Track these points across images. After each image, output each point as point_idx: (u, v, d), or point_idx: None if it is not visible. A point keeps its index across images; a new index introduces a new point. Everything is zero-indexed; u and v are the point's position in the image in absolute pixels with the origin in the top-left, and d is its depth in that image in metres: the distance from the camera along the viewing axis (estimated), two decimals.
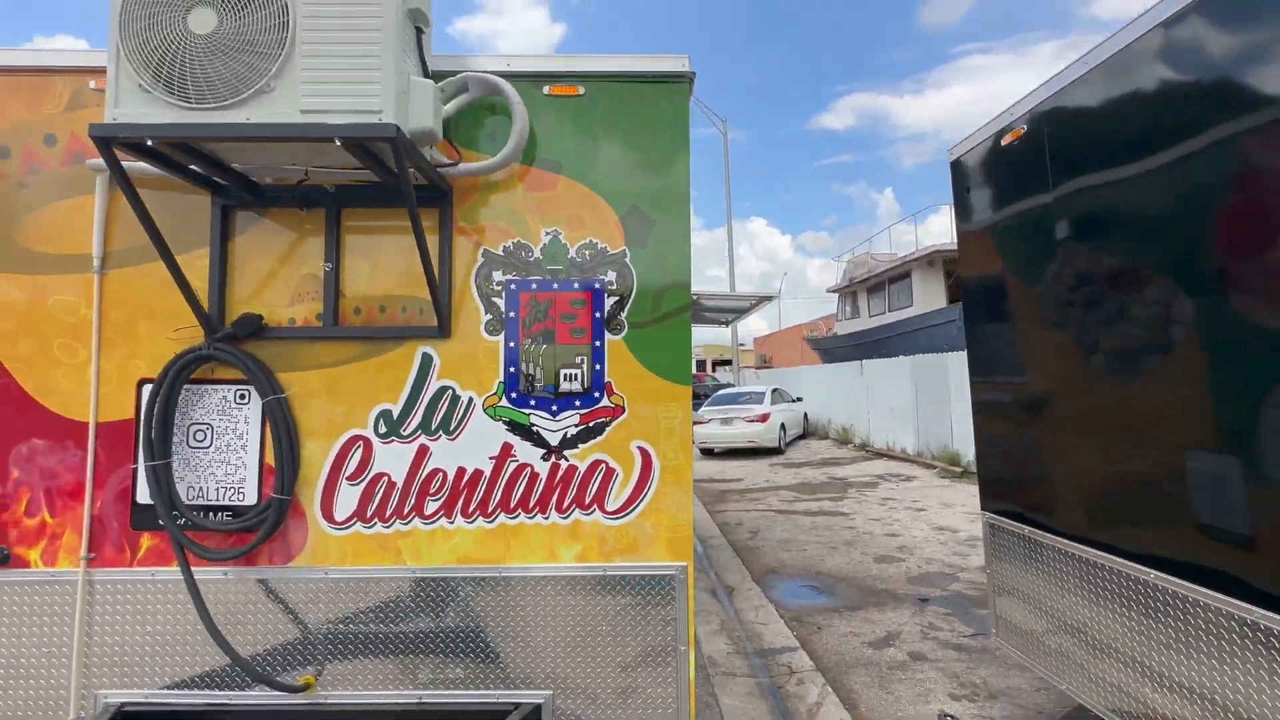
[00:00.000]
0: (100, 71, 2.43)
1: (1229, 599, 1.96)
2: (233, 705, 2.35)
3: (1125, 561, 2.38)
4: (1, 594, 2.36)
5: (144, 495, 2.39)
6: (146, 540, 2.39)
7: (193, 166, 2.25)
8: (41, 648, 2.35)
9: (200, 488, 2.39)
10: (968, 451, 10.41)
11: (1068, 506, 2.72)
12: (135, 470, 2.40)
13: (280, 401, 2.36)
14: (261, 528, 2.33)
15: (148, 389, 2.41)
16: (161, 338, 2.43)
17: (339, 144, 1.91)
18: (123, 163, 2.35)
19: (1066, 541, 2.69)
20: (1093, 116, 2.49)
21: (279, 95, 1.92)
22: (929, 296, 16.33)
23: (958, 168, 3.42)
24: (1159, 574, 2.24)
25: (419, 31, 2.14)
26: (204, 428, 2.41)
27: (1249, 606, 1.89)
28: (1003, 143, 3.00)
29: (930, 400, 11.46)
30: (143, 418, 2.37)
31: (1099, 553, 2.51)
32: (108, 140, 1.92)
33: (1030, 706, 3.36)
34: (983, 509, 3.32)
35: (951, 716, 2.38)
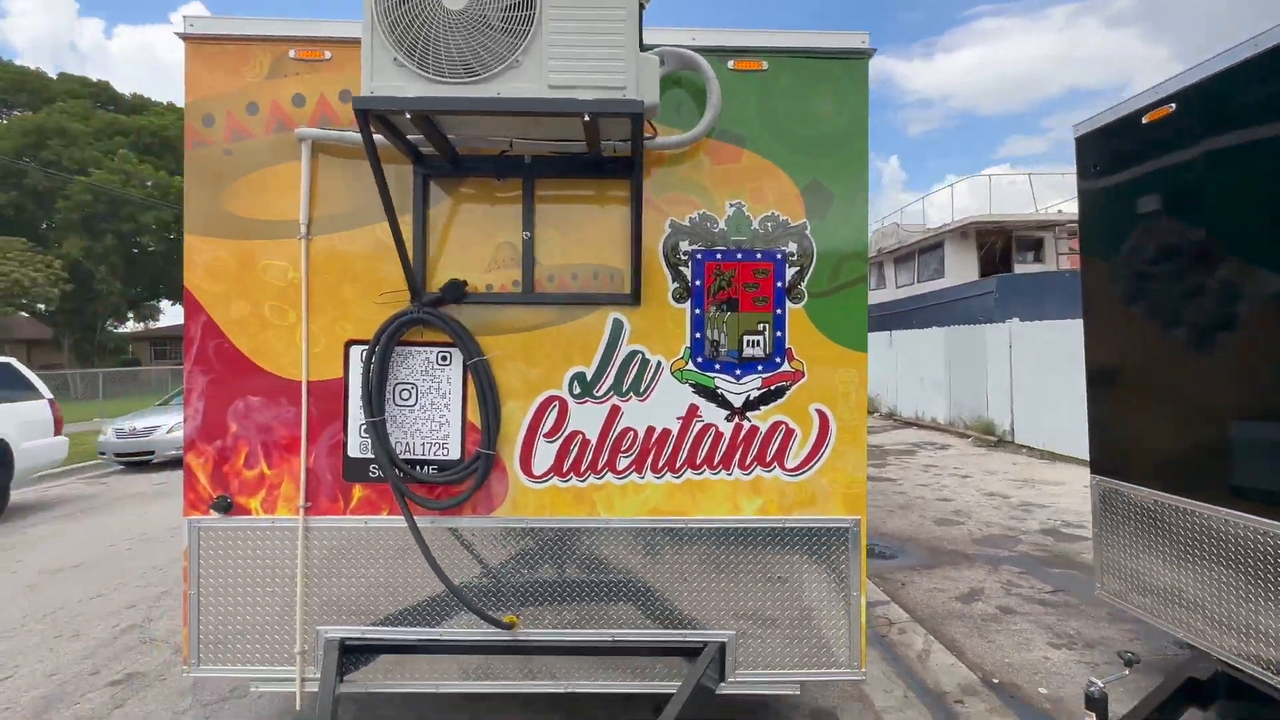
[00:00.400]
0: (298, 41, 2.52)
1: None
2: (443, 640, 2.56)
3: (1257, 519, 2.56)
4: (230, 539, 2.54)
5: (355, 449, 2.55)
6: (358, 491, 2.56)
7: (410, 136, 2.35)
8: (266, 587, 2.55)
9: (407, 443, 2.55)
10: (1003, 421, 10.64)
11: (1193, 471, 2.89)
12: (346, 426, 2.55)
13: (484, 363, 2.50)
14: (470, 480, 2.50)
15: (355, 350, 2.55)
16: (366, 301, 2.55)
17: (586, 119, 2.01)
18: (328, 131, 2.47)
19: (1195, 502, 2.87)
20: (1262, 96, 2.56)
21: (526, 70, 2.01)
22: (961, 268, 16.40)
23: (1084, 144, 3.49)
24: None
25: (640, 7, 2.21)
26: (409, 387, 2.56)
27: None
28: (1144, 120, 3.07)
29: (964, 371, 11.63)
30: (360, 377, 2.52)
31: (1231, 511, 2.68)
32: (365, 112, 2.00)
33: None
34: (1094, 473, 3.50)
35: (1132, 653, 2.56)
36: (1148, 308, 3.16)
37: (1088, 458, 3.58)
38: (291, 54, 2.53)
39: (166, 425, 10.46)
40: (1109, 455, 3.43)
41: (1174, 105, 2.93)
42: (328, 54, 2.53)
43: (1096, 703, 2.16)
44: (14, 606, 4.56)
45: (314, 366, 2.55)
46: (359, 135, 2.43)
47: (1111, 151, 3.33)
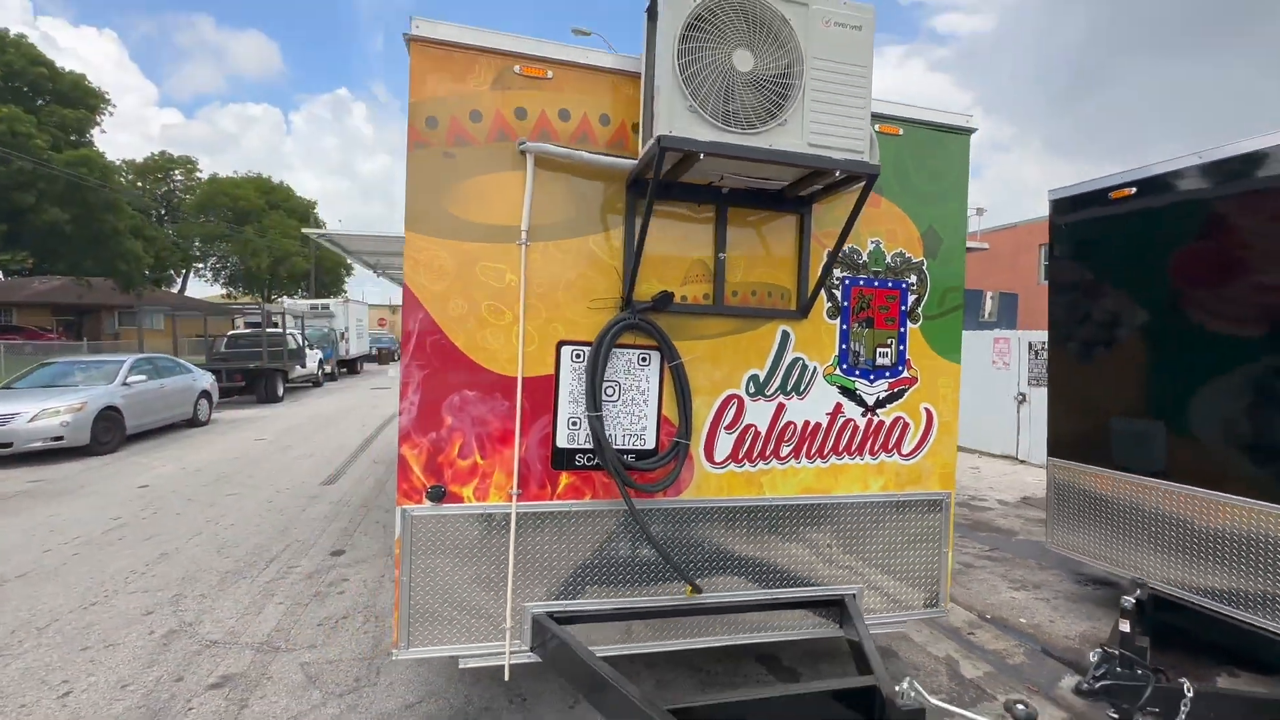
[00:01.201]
0: (522, 58, 2.71)
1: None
2: (634, 607, 2.90)
3: (1170, 483, 3.72)
4: (443, 526, 2.67)
5: (563, 440, 2.80)
6: (565, 478, 2.81)
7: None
8: (474, 569, 2.72)
9: (610, 435, 2.84)
10: None
11: (1123, 452, 4.04)
12: (555, 419, 2.78)
13: (682, 366, 2.87)
14: (670, 466, 2.86)
15: (565, 349, 2.79)
16: (575, 306, 2.80)
17: (838, 175, 2.49)
18: (556, 147, 2.70)
19: (1134, 476, 4.02)
20: (1189, 192, 3.70)
21: (789, 128, 2.44)
22: None
23: (1057, 205, 4.59)
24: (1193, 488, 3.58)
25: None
26: (613, 385, 2.85)
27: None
28: (1111, 196, 4.17)
29: None
30: (568, 374, 2.77)
31: (1152, 479, 3.84)
32: (667, 148, 2.31)
33: (1063, 590, 4.81)
34: (1050, 456, 4.62)
35: (1139, 581, 3.52)
36: (1096, 339, 4.29)
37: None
38: (516, 69, 2.69)
39: (28, 413, 8.84)
40: (1062, 447, 4.56)
41: (1135, 189, 4.04)
42: (549, 74, 2.72)
43: (1129, 612, 3.10)
44: None
45: (528, 364, 2.74)
46: (581, 153, 2.71)
47: (1081, 215, 4.42)
